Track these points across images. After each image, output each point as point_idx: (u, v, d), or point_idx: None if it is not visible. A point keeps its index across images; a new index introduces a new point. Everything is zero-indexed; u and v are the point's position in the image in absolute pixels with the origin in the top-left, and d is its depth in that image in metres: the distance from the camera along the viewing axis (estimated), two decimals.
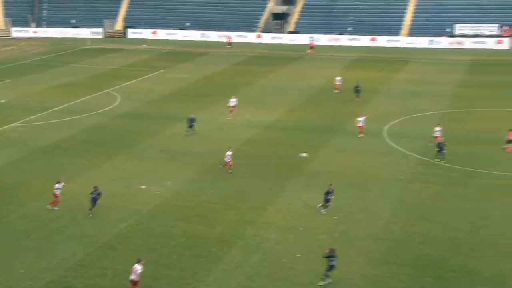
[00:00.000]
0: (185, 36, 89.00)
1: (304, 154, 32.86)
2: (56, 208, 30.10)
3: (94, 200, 29.46)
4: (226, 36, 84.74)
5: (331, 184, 30.19)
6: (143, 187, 33.57)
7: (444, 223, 28.76)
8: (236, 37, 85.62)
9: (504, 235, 27.52)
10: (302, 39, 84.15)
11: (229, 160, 35.16)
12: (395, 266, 25.06)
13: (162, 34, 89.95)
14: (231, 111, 47.54)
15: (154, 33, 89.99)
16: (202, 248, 26.60)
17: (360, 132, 41.78)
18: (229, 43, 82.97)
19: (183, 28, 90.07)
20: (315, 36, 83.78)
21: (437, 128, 39.07)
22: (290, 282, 24.11)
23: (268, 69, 67.81)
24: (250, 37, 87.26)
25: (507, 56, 72.39)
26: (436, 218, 29.26)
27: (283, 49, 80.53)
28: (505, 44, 76.71)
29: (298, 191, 33.13)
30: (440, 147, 36.37)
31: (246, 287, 23.68)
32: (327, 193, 29.83)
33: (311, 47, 79.03)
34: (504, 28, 77.68)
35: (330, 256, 23.61)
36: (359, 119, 42.15)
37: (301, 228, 28.65)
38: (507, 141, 37.14)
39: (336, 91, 54.83)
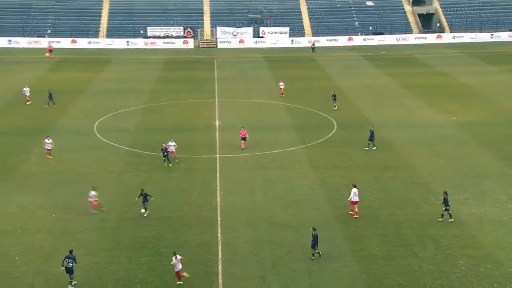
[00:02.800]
0: None
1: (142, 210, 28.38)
2: None
3: None
4: None
5: (142, 189, 28.53)
6: None
7: (155, 205, 29.62)
8: None
9: (203, 207, 29.56)
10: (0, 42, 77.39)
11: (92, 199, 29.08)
12: (115, 252, 25.10)
13: None
14: None
15: None
16: None
17: (48, 154, 36.15)
18: None
19: None
20: (14, 39, 77.87)
21: (171, 143, 36.45)
22: (10, 286, 22.45)
23: None
24: None
25: (193, 54, 77.19)
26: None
27: None
28: (190, 44, 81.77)
29: (11, 194, 30.71)
30: (164, 153, 36.09)
31: None
32: (143, 195, 28.25)
33: (49, 50, 72.72)
34: (188, 30, 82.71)
35: (66, 257, 22.46)
36: (47, 141, 36.26)
37: (18, 231, 26.64)
38: (241, 138, 38.77)
39: (28, 103, 49.73)
